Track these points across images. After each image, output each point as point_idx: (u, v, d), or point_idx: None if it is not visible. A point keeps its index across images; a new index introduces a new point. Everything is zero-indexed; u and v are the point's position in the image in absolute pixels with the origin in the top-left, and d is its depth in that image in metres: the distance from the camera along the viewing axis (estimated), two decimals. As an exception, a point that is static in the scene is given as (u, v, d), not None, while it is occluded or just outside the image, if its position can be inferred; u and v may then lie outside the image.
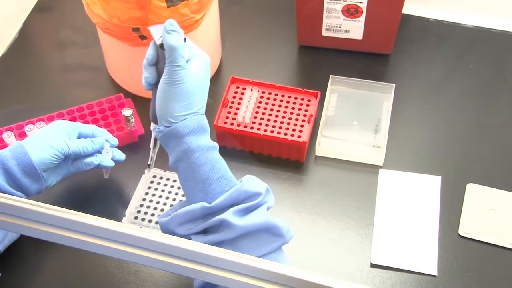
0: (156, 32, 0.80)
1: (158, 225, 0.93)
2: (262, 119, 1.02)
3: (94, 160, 0.91)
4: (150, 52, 0.81)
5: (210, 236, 0.75)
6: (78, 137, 0.92)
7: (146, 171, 0.97)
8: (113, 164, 0.94)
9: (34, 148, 0.85)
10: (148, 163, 0.92)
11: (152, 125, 0.85)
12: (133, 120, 1.02)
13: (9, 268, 0.91)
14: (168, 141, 0.79)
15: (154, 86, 0.82)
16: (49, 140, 0.87)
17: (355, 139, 1.04)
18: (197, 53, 0.82)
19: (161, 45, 0.79)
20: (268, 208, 0.78)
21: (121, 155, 0.96)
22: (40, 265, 0.92)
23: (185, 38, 0.79)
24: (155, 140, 0.89)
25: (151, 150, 0.90)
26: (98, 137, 0.93)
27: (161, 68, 0.80)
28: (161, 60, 0.81)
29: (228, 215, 0.74)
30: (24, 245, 0.92)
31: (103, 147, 0.93)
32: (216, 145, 0.80)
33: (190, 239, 0.76)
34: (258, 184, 0.78)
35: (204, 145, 0.78)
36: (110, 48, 1.07)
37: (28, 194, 0.86)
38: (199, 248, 0.57)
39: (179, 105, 0.78)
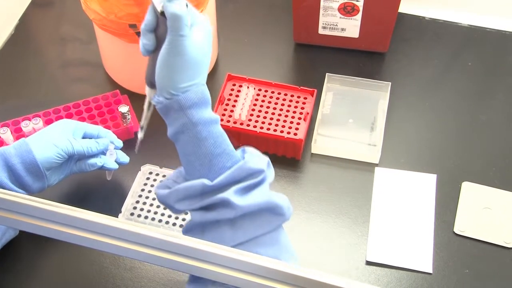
0: None
1: (154, 221, 0.93)
2: (258, 116, 1.03)
3: (98, 161, 0.91)
4: (148, 17, 0.74)
5: (209, 214, 0.72)
6: (83, 137, 0.91)
7: (138, 133, 0.87)
8: (116, 166, 0.94)
9: (38, 146, 0.84)
10: (141, 125, 0.85)
11: (147, 89, 0.78)
12: (129, 116, 1.02)
13: (5, 263, 0.91)
14: (168, 113, 0.75)
15: (152, 52, 0.76)
16: (54, 138, 0.86)
17: (351, 137, 1.04)
18: (199, 20, 0.75)
19: (162, 12, 0.71)
20: (268, 183, 0.75)
21: (125, 158, 0.95)
22: (35, 260, 0.92)
23: (187, 4, 0.72)
24: (149, 103, 0.81)
25: (144, 112, 0.83)
26: (103, 138, 0.92)
27: (160, 35, 0.74)
28: (160, 26, 0.73)
29: (230, 195, 0.71)
30: (20, 240, 0.92)
31: (107, 149, 0.93)
32: (218, 117, 0.75)
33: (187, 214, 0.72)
34: (260, 160, 0.75)
35: (207, 118, 0.74)
36: (107, 44, 1.07)
37: (29, 192, 0.85)
38: (194, 243, 0.57)
39: (181, 76, 0.73)
